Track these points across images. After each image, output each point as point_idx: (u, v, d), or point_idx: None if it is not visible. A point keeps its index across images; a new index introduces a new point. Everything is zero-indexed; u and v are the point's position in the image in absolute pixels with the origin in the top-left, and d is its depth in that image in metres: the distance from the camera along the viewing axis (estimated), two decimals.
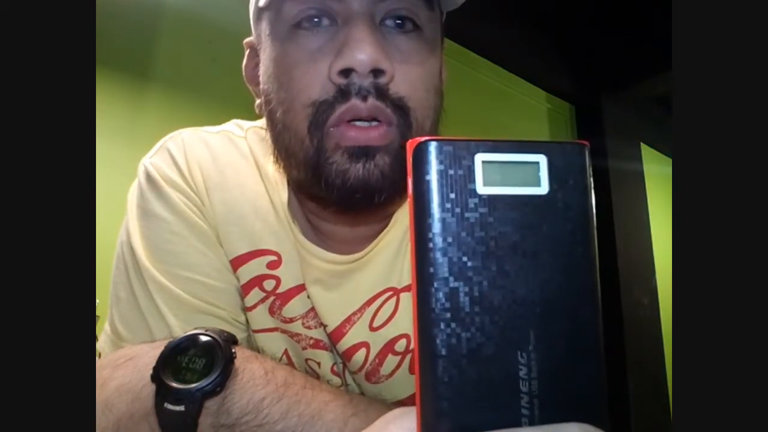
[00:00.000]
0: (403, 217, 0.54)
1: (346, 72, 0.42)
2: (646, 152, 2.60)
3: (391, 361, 0.54)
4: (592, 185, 0.22)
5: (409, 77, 0.45)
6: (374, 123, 0.44)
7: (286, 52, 0.46)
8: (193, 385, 0.36)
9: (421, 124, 0.46)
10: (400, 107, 0.44)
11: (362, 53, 0.41)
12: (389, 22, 0.45)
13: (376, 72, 0.42)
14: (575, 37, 2.21)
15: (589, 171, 0.22)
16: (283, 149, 0.48)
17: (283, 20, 0.46)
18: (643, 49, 2.08)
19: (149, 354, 0.39)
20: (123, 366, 0.40)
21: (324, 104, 0.43)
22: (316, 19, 0.44)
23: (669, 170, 2.79)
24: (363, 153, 0.43)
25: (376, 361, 0.54)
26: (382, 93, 0.43)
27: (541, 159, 0.21)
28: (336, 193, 0.44)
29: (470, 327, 0.20)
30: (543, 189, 0.21)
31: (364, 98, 0.43)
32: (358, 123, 0.44)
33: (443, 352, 0.20)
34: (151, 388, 0.37)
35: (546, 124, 2.38)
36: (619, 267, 2.10)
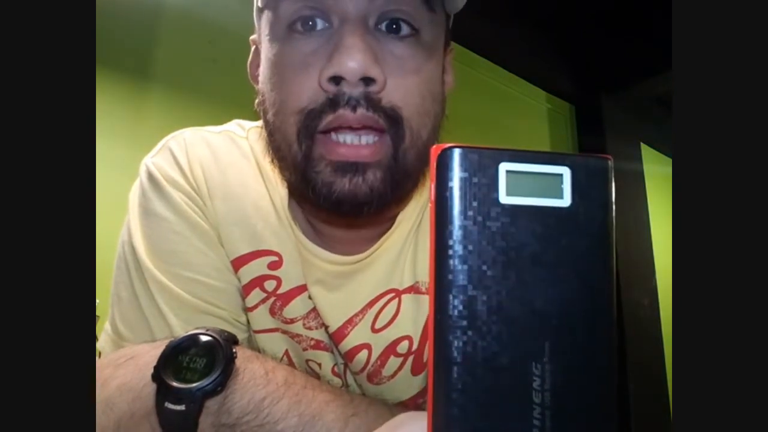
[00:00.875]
0: (406, 220, 0.54)
1: (336, 79, 0.42)
2: (646, 152, 2.60)
3: (393, 362, 0.54)
4: (614, 200, 0.22)
5: (403, 84, 0.44)
6: (364, 139, 0.43)
7: (280, 55, 0.45)
8: (194, 385, 0.36)
9: (417, 132, 0.45)
10: (392, 117, 0.43)
11: (352, 61, 0.40)
12: (384, 26, 0.44)
13: (367, 80, 0.41)
14: (575, 37, 2.21)
15: (612, 186, 0.22)
16: (276, 150, 0.47)
17: (279, 20, 0.45)
18: (643, 49, 2.08)
19: (150, 353, 0.39)
20: (124, 365, 0.40)
21: (312, 113, 0.43)
22: (310, 22, 0.44)
23: (669, 170, 2.79)
24: (351, 168, 0.43)
25: (378, 362, 0.54)
26: (372, 103, 0.42)
27: (565, 171, 0.21)
28: (323, 202, 0.44)
29: (486, 335, 0.21)
30: (565, 201, 0.21)
31: (354, 108, 0.42)
32: (348, 138, 0.43)
33: (458, 359, 0.20)
34: (152, 387, 0.37)
35: (546, 124, 2.38)
36: (619, 267, 2.10)
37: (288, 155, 0.45)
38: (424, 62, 0.46)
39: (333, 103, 0.42)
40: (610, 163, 0.22)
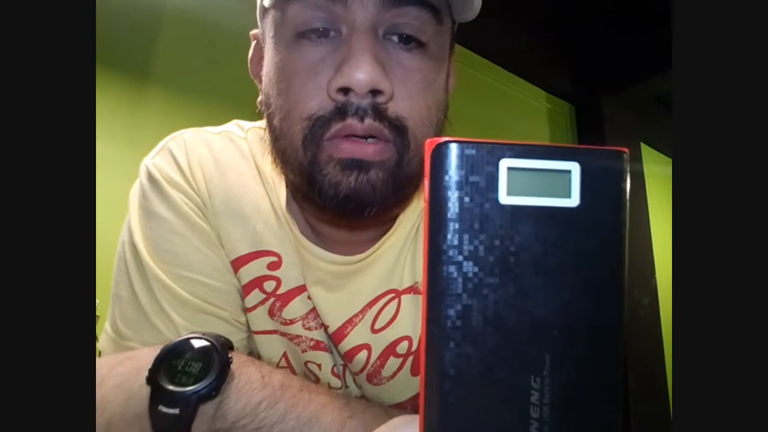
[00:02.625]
0: (407, 220, 0.54)
1: (345, 90, 0.42)
2: (646, 152, 2.60)
3: (393, 363, 0.54)
4: (628, 199, 0.20)
5: (410, 95, 0.44)
6: (371, 140, 0.44)
7: (287, 60, 0.45)
8: (189, 388, 0.36)
9: (420, 141, 0.45)
10: (397, 127, 0.44)
11: (361, 73, 0.41)
12: (392, 37, 0.44)
13: (375, 92, 0.42)
14: (575, 38, 2.21)
15: (627, 183, 0.20)
16: (280, 153, 0.47)
17: (286, 24, 0.45)
18: (643, 49, 2.08)
19: (148, 356, 0.39)
20: (121, 365, 0.40)
21: (320, 120, 0.43)
22: (320, 29, 0.44)
23: (669, 170, 2.79)
24: (357, 165, 0.43)
25: (378, 363, 0.54)
26: (379, 113, 0.43)
27: (574, 167, 0.19)
28: (329, 203, 0.44)
29: (482, 348, 0.19)
30: (573, 201, 0.19)
31: (361, 119, 0.42)
32: (353, 138, 0.43)
33: (451, 372, 0.19)
34: (147, 389, 0.37)
35: (546, 124, 2.38)
36: None
37: (294, 159, 0.45)
38: (430, 73, 0.46)
39: (341, 112, 0.42)
40: (626, 156, 0.20)
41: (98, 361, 0.42)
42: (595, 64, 2.31)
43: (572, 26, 2.14)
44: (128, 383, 0.38)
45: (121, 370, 0.39)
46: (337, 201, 0.43)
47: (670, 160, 2.85)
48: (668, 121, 2.67)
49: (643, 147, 2.58)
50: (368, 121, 0.42)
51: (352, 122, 0.42)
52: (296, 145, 0.44)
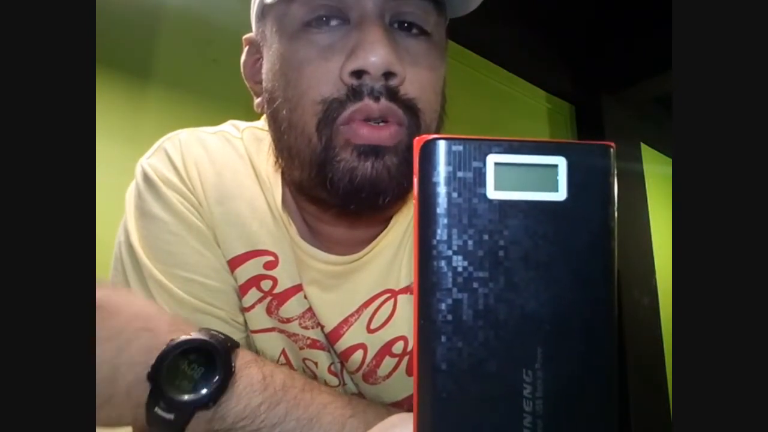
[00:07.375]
0: (402, 220, 0.54)
1: (358, 73, 0.42)
2: (646, 152, 2.60)
3: (389, 362, 0.54)
4: (616, 192, 0.20)
5: (419, 80, 0.45)
6: (384, 123, 0.44)
7: (295, 49, 0.45)
8: (186, 398, 0.36)
9: (429, 126, 0.46)
10: (410, 108, 0.44)
11: (375, 55, 0.41)
12: (398, 25, 0.45)
13: (388, 74, 0.42)
14: (575, 37, 2.21)
15: (614, 176, 0.20)
16: (286, 149, 0.47)
17: (291, 18, 0.45)
18: (643, 49, 2.08)
19: (163, 336, 0.38)
20: (139, 337, 0.38)
21: (335, 102, 0.43)
22: (328, 18, 0.44)
23: (669, 170, 2.79)
24: (373, 152, 0.43)
25: (374, 362, 0.54)
26: (393, 94, 0.43)
27: (560, 161, 0.19)
28: (342, 192, 0.44)
29: (473, 341, 0.19)
30: (560, 195, 0.19)
31: (377, 99, 0.43)
32: (369, 122, 0.44)
33: (443, 366, 0.19)
34: (147, 385, 0.36)
35: (546, 124, 2.38)
36: (619, 267, 2.08)
37: (305, 149, 0.45)
38: (435, 60, 0.47)
39: (356, 93, 0.43)
40: (612, 150, 0.20)
41: (118, 314, 0.38)
42: (595, 64, 2.31)
43: (572, 26, 2.14)
44: (139, 368, 0.36)
45: (137, 345, 0.37)
46: (352, 189, 0.43)
47: (670, 160, 2.85)
48: (668, 121, 2.67)
49: (643, 147, 2.57)
50: (383, 101, 0.43)
51: (368, 102, 0.42)
52: (309, 132, 0.44)
